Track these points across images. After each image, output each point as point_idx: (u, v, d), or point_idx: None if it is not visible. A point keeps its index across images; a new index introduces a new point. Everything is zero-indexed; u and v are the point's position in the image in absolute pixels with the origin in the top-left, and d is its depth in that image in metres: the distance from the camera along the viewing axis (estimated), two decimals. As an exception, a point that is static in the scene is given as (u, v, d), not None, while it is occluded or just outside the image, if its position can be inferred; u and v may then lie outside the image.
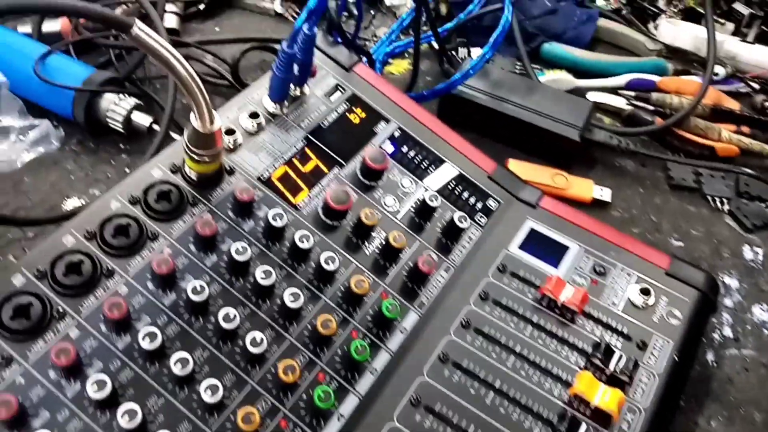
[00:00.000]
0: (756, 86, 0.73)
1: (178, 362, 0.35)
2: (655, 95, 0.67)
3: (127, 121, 0.59)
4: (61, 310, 0.36)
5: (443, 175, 0.51)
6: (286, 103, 0.50)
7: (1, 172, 0.56)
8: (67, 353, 0.33)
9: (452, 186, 0.50)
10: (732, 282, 0.55)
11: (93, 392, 0.33)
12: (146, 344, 0.35)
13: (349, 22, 0.78)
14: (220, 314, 0.38)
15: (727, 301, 0.54)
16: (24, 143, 0.58)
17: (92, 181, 0.57)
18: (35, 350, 0.35)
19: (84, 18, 0.41)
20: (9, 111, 0.58)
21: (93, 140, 0.60)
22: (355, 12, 0.73)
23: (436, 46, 0.71)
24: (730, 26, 0.81)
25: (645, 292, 0.46)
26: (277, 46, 0.67)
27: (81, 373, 0.35)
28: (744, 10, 0.81)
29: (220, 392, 0.35)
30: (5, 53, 0.60)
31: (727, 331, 0.52)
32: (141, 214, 0.41)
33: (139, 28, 0.33)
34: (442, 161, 0.51)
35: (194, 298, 0.37)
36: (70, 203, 0.55)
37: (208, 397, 0.35)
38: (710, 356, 0.50)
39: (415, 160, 0.51)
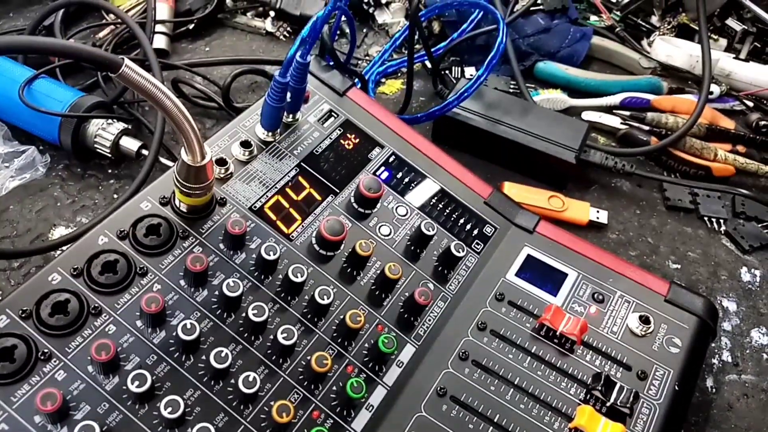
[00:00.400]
0: (750, 104, 0.72)
1: (168, 405, 0.34)
2: (650, 115, 0.66)
3: (116, 146, 0.58)
4: (47, 352, 0.35)
5: (437, 200, 0.50)
6: (278, 130, 0.49)
7: (-14, 200, 0.55)
8: (53, 399, 0.32)
9: (448, 212, 0.50)
10: (730, 305, 0.55)
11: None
12: (135, 387, 0.34)
13: (341, 41, 0.77)
14: (212, 353, 0.37)
15: (726, 325, 0.53)
16: (9, 170, 0.56)
17: (79, 208, 0.56)
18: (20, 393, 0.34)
19: (75, 59, 0.40)
20: (-6, 137, 0.57)
21: (80, 165, 0.59)
22: (348, 31, 0.73)
23: (429, 65, 0.70)
24: (723, 42, 0.82)
25: (644, 320, 0.46)
26: (269, 71, 0.66)
27: (68, 417, 0.34)
28: (737, 26, 0.81)
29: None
30: (-9, 77, 0.59)
31: (726, 356, 0.51)
32: (129, 248, 0.40)
33: (128, 66, 0.32)
34: (440, 189, 0.51)
35: (184, 337, 0.36)
36: (57, 232, 0.54)
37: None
38: (709, 382, 0.50)
39: (410, 187, 0.50)
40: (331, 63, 0.56)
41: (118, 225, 0.40)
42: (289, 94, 0.48)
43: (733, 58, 0.74)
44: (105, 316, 0.37)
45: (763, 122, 0.69)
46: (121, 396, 0.35)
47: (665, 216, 0.61)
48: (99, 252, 0.39)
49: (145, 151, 0.58)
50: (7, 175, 0.56)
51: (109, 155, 0.58)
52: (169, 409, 0.34)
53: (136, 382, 0.34)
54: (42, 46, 0.31)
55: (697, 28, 0.81)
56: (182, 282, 0.40)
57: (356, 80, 0.57)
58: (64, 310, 0.37)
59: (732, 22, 0.82)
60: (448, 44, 0.70)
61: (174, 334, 0.37)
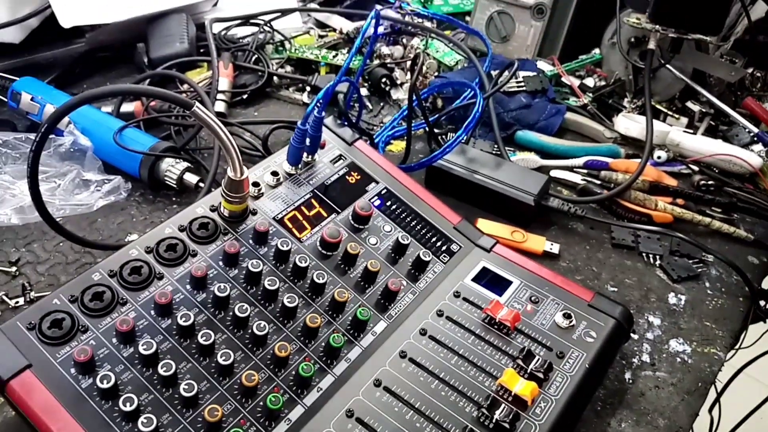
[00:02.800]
0: (695, 168, 0.87)
1: (164, 366, 0.47)
2: (603, 173, 0.81)
3: (180, 179, 0.76)
4: (84, 326, 0.50)
5: (415, 222, 0.66)
6: (300, 166, 0.66)
7: (81, 214, 0.73)
8: (86, 353, 0.48)
9: (423, 232, 0.65)
10: (655, 320, 0.67)
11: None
12: (143, 350, 0.48)
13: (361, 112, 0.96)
14: (237, 309, 0.52)
15: (649, 335, 0.66)
16: (100, 192, 0.75)
17: (149, 223, 0.74)
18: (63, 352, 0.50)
19: (165, 100, 0.54)
20: (91, 168, 0.76)
21: (152, 193, 0.77)
22: (365, 103, 0.91)
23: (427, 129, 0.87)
24: (684, 120, 0.97)
25: (567, 316, 0.59)
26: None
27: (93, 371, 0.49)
28: (695, 107, 0.97)
29: (232, 358, 0.49)
30: (92, 126, 0.79)
31: (645, 357, 0.63)
32: (186, 237, 0.57)
33: (197, 107, 0.50)
34: (418, 214, 0.66)
35: (220, 294, 0.52)
36: (131, 238, 0.71)
37: (222, 360, 0.49)
38: (628, 375, 0.62)
39: (396, 212, 0.66)
40: (345, 123, 0.74)
41: (179, 221, 0.58)
42: (308, 140, 0.65)
43: (683, 131, 0.89)
44: (129, 306, 0.51)
45: (702, 182, 0.83)
46: (134, 361, 0.49)
47: (610, 251, 0.75)
48: (166, 238, 0.56)
49: (201, 184, 0.76)
50: (98, 197, 0.75)
51: (175, 186, 0.76)
52: (164, 368, 0.47)
53: (144, 347, 0.48)
54: (143, 91, 0.49)
55: (661, 108, 0.97)
56: (221, 263, 0.56)
57: (364, 136, 0.75)
58: (101, 298, 0.51)
59: (691, 104, 0.97)
60: (441, 114, 0.87)
61: (211, 296, 0.53)
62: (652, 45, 0.86)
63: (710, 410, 1.15)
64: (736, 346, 1.09)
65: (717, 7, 0.81)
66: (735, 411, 1.17)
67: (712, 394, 1.15)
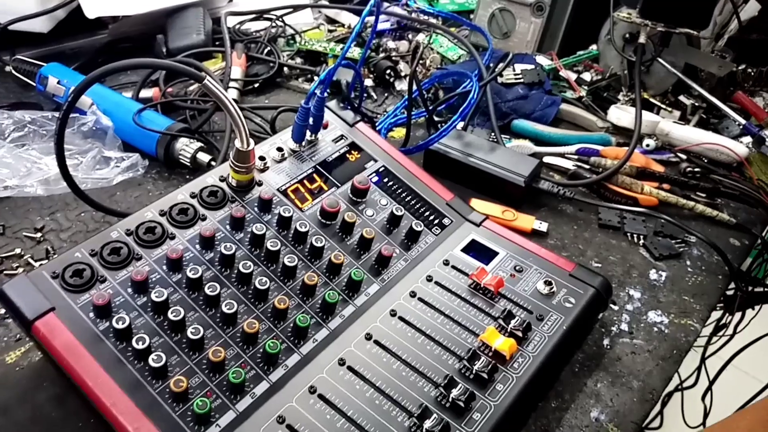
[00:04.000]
0: (683, 156, 0.90)
1: (173, 312, 0.54)
2: (593, 158, 0.86)
3: (194, 158, 0.82)
4: (102, 277, 0.55)
5: (410, 198, 0.70)
6: (303, 144, 0.71)
7: (101, 187, 0.79)
8: (104, 298, 0.53)
9: (417, 206, 0.70)
10: (636, 294, 0.71)
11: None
12: (155, 297, 0.53)
13: (366, 101, 1.01)
14: (241, 266, 0.57)
15: (629, 306, 0.70)
16: (119, 168, 0.80)
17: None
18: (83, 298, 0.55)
19: (179, 73, 0.58)
20: (111, 146, 0.82)
21: (167, 171, 0.83)
22: (368, 91, 0.96)
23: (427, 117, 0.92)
24: (677, 113, 1.00)
25: (548, 283, 0.63)
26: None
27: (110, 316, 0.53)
28: (687, 101, 1.00)
29: (235, 308, 0.54)
30: (113, 107, 0.85)
31: (624, 327, 0.67)
32: (197, 203, 0.62)
33: (208, 80, 0.55)
34: (413, 191, 0.71)
35: (226, 252, 0.57)
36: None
37: (227, 309, 0.54)
38: (606, 341, 0.66)
39: (392, 188, 0.71)
40: (348, 106, 0.78)
41: (191, 189, 0.63)
42: (311, 119, 0.70)
43: (672, 122, 0.93)
44: (144, 261, 0.56)
45: (689, 169, 0.87)
46: (146, 308, 0.54)
47: (596, 231, 0.79)
48: (178, 203, 0.61)
49: (213, 163, 0.81)
50: (117, 172, 0.80)
51: (189, 165, 0.82)
52: (174, 314, 0.52)
53: (156, 294, 0.53)
54: (160, 65, 0.54)
55: (655, 102, 1.01)
56: (228, 227, 0.61)
57: (365, 118, 0.80)
58: (118, 253, 0.56)
59: (683, 98, 1.01)
60: (440, 102, 0.92)
61: (218, 254, 0.58)
62: (642, 39, 0.90)
63: (703, 398, 1.18)
64: (728, 333, 1.12)
65: (703, 2, 0.85)
66: (727, 401, 1.19)
67: (704, 382, 1.19)
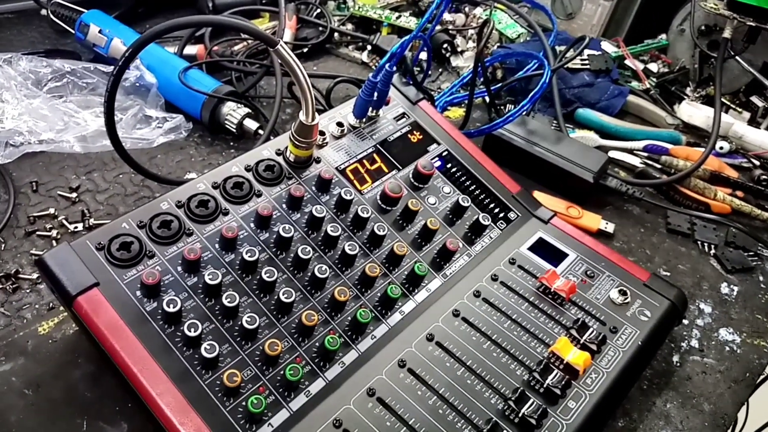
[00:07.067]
0: (756, 162, 0.85)
1: (227, 297, 0.48)
2: (664, 158, 0.80)
3: (240, 125, 0.77)
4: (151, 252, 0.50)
5: (475, 187, 0.65)
6: (364, 120, 0.66)
7: (141, 148, 0.74)
8: (153, 276, 0.49)
9: (482, 197, 0.65)
10: (706, 308, 0.66)
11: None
12: (209, 279, 0.48)
13: (420, 75, 0.95)
14: (300, 251, 0.52)
15: (699, 321, 0.65)
16: (161, 130, 0.76)
17: (206, 164, 0.74)
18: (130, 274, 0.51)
19: (249, 34, 0.52)
20: (154, 105, 0.77)
21: (211, 136, 0.78)
22: (425, 66, 0.90)
23: (488, 100, 0.86)
24: (747, 115, 0.94)
25: (622, 293, 0.59)
26: (362, 80, 0.84)
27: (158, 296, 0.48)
28: (759, 102, 0.94)
29: (293, 297, 0.50)
30: (158, 64, 0.80)
31: (695, 343, 0.63)
32: (252, 177, 0.57)
33: (281, 46, 0.50)
34: (478, 179, 0.66)
35: (284, 235, 0.53)
36: (190, 176, 0.72)
37: (284, 298, 0.49)
38: (676, 358, 0.61)
39: (455, 175, 0.66)
40: (410, 82, 0.73)
41: (246, 161, 0.58)
42: (375, 94, 0.65)
43: (747, 124, 0.87)
44: (195, 237, 0.52)
45: (764, 176, 0.81)
46: (197, 290, 0.49)
47: (665, 236, 0.74)
48: (232, 176, 0.56)
49: (261, 132, 0.76)
50: (159, 133, 0.75)
51: (234, 131, 0.77)
52: (228, 299, 0.48)
53: (210, 276, 0.48)
54: (232, 24, 0.49)
55: (724, 101, 0.95)
56: (284, 206, 0.57)
57: (426, 97, 0.74)
58: (168, 227, 0.51)
59: (756, 99, 0.95)
60: (504, 84, 0.86)
61: (274, 235, 0.53)
62: (727, 33, 0.84)
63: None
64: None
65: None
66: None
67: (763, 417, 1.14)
